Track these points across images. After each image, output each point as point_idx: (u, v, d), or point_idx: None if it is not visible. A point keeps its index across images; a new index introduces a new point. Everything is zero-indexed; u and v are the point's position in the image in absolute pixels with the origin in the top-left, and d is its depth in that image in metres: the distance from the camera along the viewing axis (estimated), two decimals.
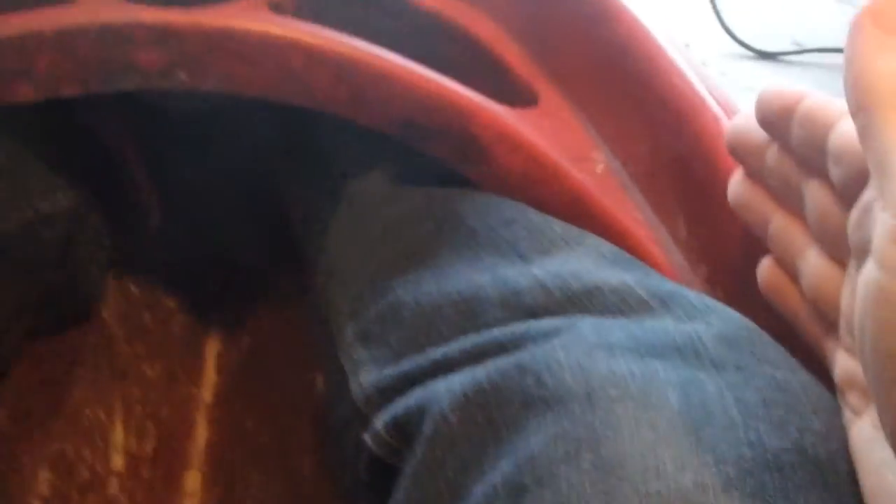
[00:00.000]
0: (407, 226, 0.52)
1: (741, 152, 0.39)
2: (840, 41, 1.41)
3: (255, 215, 0.82)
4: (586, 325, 0.34)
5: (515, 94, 0.60)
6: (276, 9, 0.58)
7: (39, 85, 0.53)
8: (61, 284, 0.65)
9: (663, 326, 0.34)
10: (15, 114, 0.53)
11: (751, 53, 1.86)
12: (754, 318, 0.36)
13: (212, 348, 0.80)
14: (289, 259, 0.76)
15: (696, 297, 0.38)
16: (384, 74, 0.53)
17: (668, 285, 0.39)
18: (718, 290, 0.45)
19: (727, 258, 0.45)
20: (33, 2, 0.54)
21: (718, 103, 0.49)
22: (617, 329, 0.34)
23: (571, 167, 0.50)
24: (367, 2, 0.65)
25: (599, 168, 0.51)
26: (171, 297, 0.81)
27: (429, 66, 0.55)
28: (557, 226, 0.47)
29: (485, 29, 0.63)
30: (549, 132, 0.53)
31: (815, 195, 0.33)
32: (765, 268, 0.38)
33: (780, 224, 0.37)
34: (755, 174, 0.38)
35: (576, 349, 0.32)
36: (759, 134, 0.37)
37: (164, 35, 0.53)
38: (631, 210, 0.48)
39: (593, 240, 0.45)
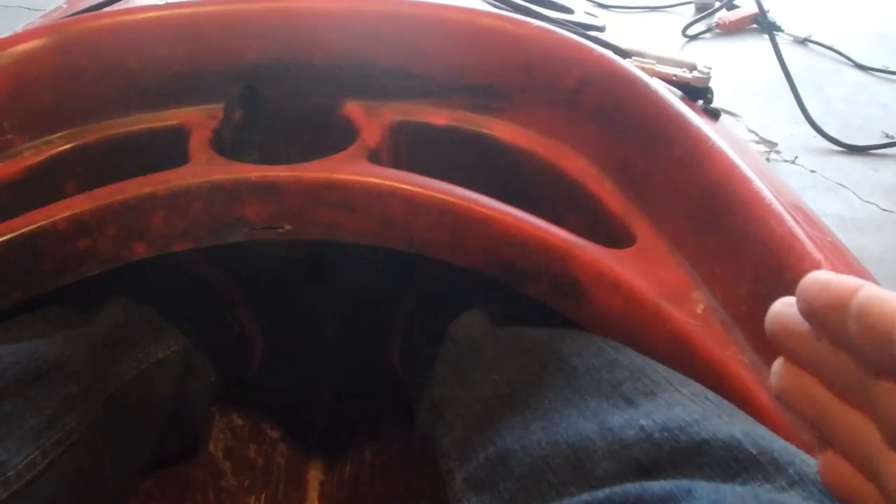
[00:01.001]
0: (509, 365, 0.52)
1: (784, 342, 0.32)
2: None
3: (354, 347, 0.84)
4: (702, 493, 0.34)
5: (612, 233, 0.60)
6: (373, 158, 0.61)
7: (153, 243, 0.56)
8: (171, 422, 0.67)
9: (779, 499, 0.33)
10: (129, 269, 0.56)
11: (840, 148, 1.84)
12: None
13: (314, 478, 0.81)
14: (388, 388, 0.77)
15: (803, 455, 0.37)
16: (482, 219, 0.55)
17: (776, 442, 0.38)
18: None
19: None
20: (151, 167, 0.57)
21: (814, 242, 0.48)
22: (731, 497, 0.34)
23: (672, 308, 0.49)
24: (460, 144, 0.67)
25: (700, 308, 0.50)
26: (274, 427, 0.83)
27: (523, 205, 0.56)
28: (661, 367, 0.46)
29: (577, 167, 0.64)
30: (647, 272, 0.52)
31: (890, 399, 0.27)
32: (830, 465, 0.31)
33: (842, 419, 0.31)
34: (803, 362, 0.32)
35: None
36: (804, 325, 0.30)
37: (269, 191, 0.56)
38: (735, 352, 0.47)
39: (696, 385, 0.44)
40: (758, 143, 1.84)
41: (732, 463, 0.36)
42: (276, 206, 0.57)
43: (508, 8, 0.79)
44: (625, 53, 0.75)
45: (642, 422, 0.41)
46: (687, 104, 0.73)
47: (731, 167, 0.52)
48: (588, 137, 0.65)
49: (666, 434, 0.39)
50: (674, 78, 0.75)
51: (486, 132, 0.67)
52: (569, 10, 0.88)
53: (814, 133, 1.87)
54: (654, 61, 0.76)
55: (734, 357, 0.46)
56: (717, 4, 2.50)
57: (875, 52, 2.34)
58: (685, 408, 0.42)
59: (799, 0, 2.73)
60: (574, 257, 0.53)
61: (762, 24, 2.03)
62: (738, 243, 0.50)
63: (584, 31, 0.77)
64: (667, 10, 2.53)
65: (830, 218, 1.63)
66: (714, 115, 0.76)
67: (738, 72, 2.21)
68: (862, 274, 0.53)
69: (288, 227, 0.58)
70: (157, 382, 0.63)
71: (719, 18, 2.45)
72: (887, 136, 1.92)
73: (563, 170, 0.65)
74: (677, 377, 0.45)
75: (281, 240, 0.58)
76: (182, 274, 0.72)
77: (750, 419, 0.42)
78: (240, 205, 0.57)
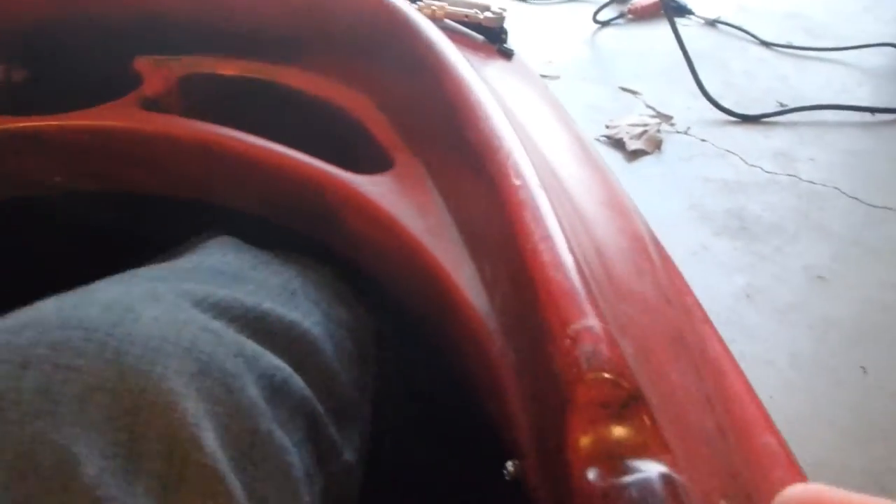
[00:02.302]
0: None
1: None
2: (823, 98, 1.48)
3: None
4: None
5: (378, 160, 0.64)
6: (151, 107, 0.65)
7: None
8: None
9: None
10: None
11: (734, 119, 1.92)
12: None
13: None
14: None
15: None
16: (239, 154, 0.59)
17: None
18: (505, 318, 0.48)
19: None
20: None
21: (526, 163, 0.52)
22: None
23: (409, 224, 0.54)
24: (251, 94, 0.71)
25: (432, 221, 0.55)
26: None
27: (315, 150, 0.59)
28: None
29: (359, 105, 0.68)
30: (398, 193, 0.57)
31: None
32: None
33: None
34: None
35: None
36: None
37: (33, 141, 0.59)
38: (453, 256, 0.52)
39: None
40: (654, 117, 1.91)
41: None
42: (43, 157, 0.59)
43: None
44: None
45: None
46: (474, 46, 0.80)
47: (461, 83, 0.58)
48: (369, 77, 0.70)
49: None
50: (465, 18, 0.81)
51: (275, 81, 0.71)
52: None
53: (710, 107, 1.95)
54: (446, 3, 0.81)
55: (456, 270, 0.51)
56: None
57: (783, 31, 2.42)
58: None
59: None
60: (327, 184, 0.57)
61: (664, 7, 2.11)
62: (474, 164, 0.55)
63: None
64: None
65: (714, 182, 1.70)
66: (507, 54, 0.81)
67: (643, 55, 2.28)
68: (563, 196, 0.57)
69: (58, 178, 0.60)
70: None
71: (631, 5, 2.53)
72: (781, 104, 2.00)
73: (347, 111, 0.69)
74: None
75: (56, 192, 0.61)
76: None
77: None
78: (4, 157, 0.59)
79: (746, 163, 1.77)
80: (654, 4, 2.45)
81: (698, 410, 0.41)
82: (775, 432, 0.40)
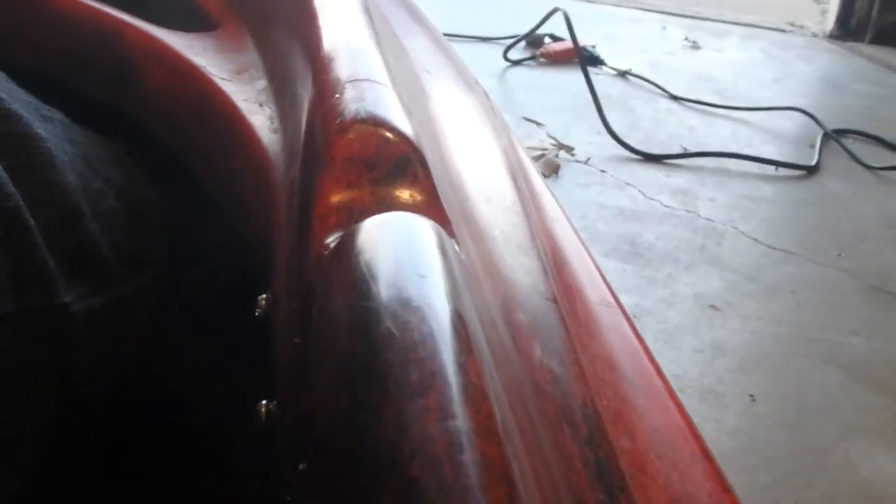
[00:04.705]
0: None
1: None
2: (725, 149, 1.39)
3: None
4: None
5: (202, 22, 0.59)
6: None
7: None
8: None
9: None
10: None
11: (637, 156, 1.84)
12: None
13: None
14: None
15: None
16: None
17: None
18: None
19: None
20: None
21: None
22: None
23: (226, 79, 0.50)
24: None
25: (245, 77, 0.52)
26: None
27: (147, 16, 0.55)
28: None
29: None
30: (212, 50, 0.53)
31: None
32: None
33: None
34: None
35: None
36: None
37: None
38: (252, 101, 0.48)
39: None
40: (555, 145, 1.83)
41: None
42: None
43: None
44: None
45: None
46: None
47: None
48: None
49: None
50: None
51: None
52: None
53: (614, 143, 1.87)
54: None
55: (248, 107, 0.47)
56: (548, 40, 2.54)
57: (693, 89, 2.39)
58: None
59: (629, 44, 2.81)
60: (125, 31, 0.52)
61: (577, 54, 2.06)
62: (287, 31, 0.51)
63: None
64: (496, 41, 2.55)
65: (610, 209, 1.60)
66: None
67: (551, 92, 2.22)
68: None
69: None
70: None
71: (544, 48, 2.48)
72: (685, 149, 1.94)
73: None
74: None
75: None
76: None
77: None
78: None
79: (645, 195, 1.68)
80: (567, 51, 2.40)
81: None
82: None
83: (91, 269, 0.42)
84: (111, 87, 0.52)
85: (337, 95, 0.31)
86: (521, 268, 0.31)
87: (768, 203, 1.75)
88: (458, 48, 2.46)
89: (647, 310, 1.29)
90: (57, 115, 0.46)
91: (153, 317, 0.47)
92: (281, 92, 0.48)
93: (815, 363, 1.22)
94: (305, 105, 0.40)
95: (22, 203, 0.38)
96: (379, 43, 0.36)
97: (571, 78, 2.22)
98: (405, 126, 0.29)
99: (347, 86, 0.31)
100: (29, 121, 0.41)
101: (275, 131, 0.45)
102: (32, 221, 0.38)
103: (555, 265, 0.34)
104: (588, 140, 1.91)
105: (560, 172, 1.72)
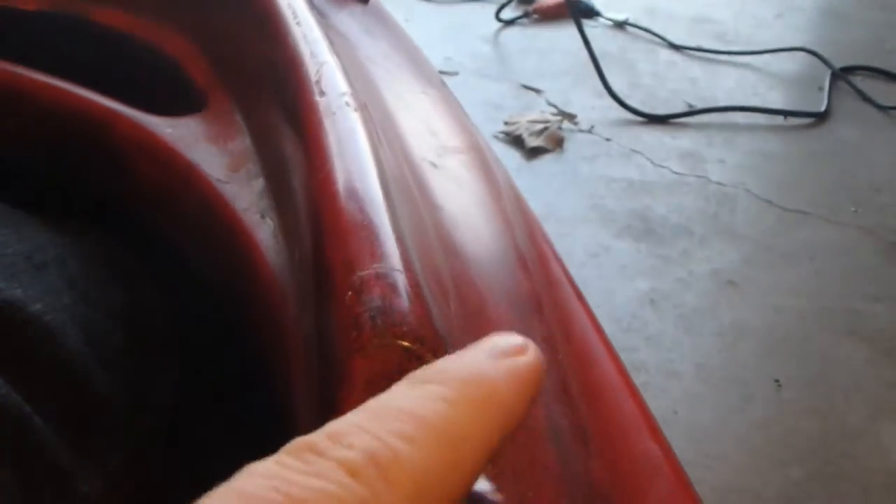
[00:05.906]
0: None
1: None
2: (734, 102, 1.34)
3: None
4: None
5: (193, 102, 0.57)
6: None
7: None
8: None
9: None
10: None
11: (640, 119, 1.80)
12: None
13: None
14: None
15: None
16: (22, 90, 0.50)
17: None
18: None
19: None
20: None
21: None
22: None
23: (211, 170, 0.47)
24: (56, 31, 0.61)
25: (242, 174, 0.49)
26: None
27: (125, 93, 0.52)
28: None
29: (177, 46, 0.60)
30: (202, 136, 0.51)
31: None
32: None
33: None
34: None
35: None
36: None
37: None
38: (254, 209, 0.46)
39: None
40: (556, 114, 1.78)
41: None
42: None
43: None
44: None
45: None
46: None
47: (287, 39, 0.49)
48: (188, 14, 0.62)
49: None
50: None
51: (83, 16, 0.63)
52: None
53: (616, 106, 1.83)
54: None
55: (256, 225, 0.45)
56: None
57: (693, 35, 2.33)
58: None
59: None
60: (114, 122, 0.49)
61: (570, 8, 1.99)
62: (280, 91, 0.48)
63: None
64: (487, 0, 2.48)
65: (618, 182, 1.57)
66: None
67: (547, 54, 2.16)
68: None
69: None
70: None
71: (536, 4, 2.41)
72: (690, 106, 1.89)
73: (163, 50, 0.61)
74: None
75: None
76: None
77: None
78: None
79: (653, 163, 1.64)
80: (559, 5, 2.33)
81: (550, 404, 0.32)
82: (659, 436, 0.32)
83: (101, 436, 0.41)
84: (103, 180, 0.51)
85: (350, 293, 0.29)
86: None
87: (779, 158, 1.71)
88: (449, 10, 2.39)
89: (664, 294, 1.26)
90: (51, 252, 0.44)
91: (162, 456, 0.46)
92: (280, 198, 0.46)
93: (838, 337, 1.20)
94: (309, 236, 0.37)
95: (31, 410, 0.36)
96: (396, 217, 0.33)
97: (567, 35, 2.16)
98: (434, 338, 0.27)
99: (359, 281, 0.29)
100: (24, 302, 0.39)
101: (279, 252, 0.43)
102: (42, 421, 0.37)
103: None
104: (590, 105, 1.86)
105: (564, 146, 1.68)
